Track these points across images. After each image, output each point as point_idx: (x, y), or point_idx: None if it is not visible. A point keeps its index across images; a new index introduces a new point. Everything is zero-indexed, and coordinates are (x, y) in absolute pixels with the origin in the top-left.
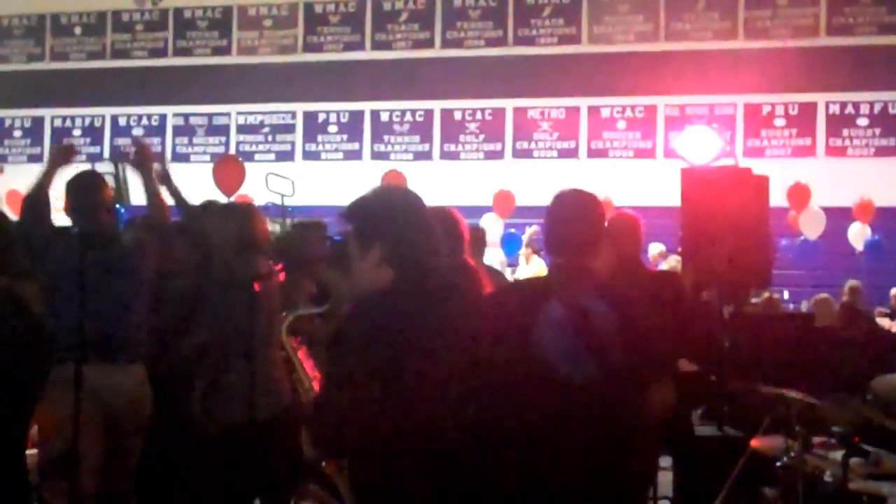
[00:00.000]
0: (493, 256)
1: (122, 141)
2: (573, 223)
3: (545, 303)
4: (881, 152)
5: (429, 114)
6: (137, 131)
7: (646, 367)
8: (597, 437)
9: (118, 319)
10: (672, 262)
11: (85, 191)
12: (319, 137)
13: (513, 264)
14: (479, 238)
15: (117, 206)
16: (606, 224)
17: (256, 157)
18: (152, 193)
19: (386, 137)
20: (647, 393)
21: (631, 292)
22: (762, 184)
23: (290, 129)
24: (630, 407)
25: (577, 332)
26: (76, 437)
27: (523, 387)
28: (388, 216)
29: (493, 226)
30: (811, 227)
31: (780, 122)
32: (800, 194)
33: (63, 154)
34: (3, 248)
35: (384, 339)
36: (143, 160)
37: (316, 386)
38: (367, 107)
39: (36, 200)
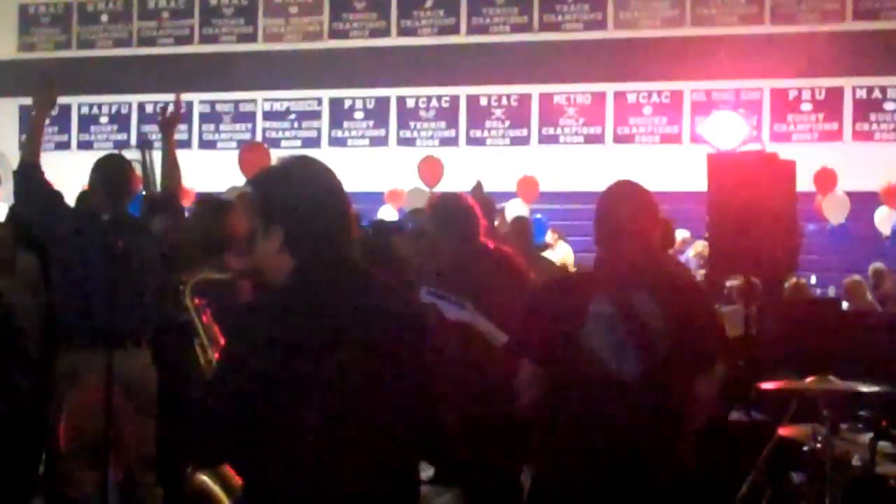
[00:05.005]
0: None
1: (149, 128)
2: (620, 216)
3: (592, 297)
4: None
5: (455, 100)
6: None
7: (690, 361)
8: (642, 431)
9: (137, 306)
10: (699, 248)
11: (117, 175)
12: (346, 124)
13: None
14: (524, 228)
15: (142, 192)
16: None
17: (283, 143)
18: (170, 159)
19: (412, 124)
20: (692, 386)
21: (677, 284)
22: (789, 169)
23: (316, 115)
24: (675, 402)
25: (625, 327)
26: (108, 425)
27: (573, 382)
28: (292, 197)
29: (517, 211)
30: (835, 211)
31: (806, 106)
32: (826, 179)
33: (47, 95)
34: None
35: (272, 342)
36: (172, 122)
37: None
38: (393, 93)
39: (30, 164)
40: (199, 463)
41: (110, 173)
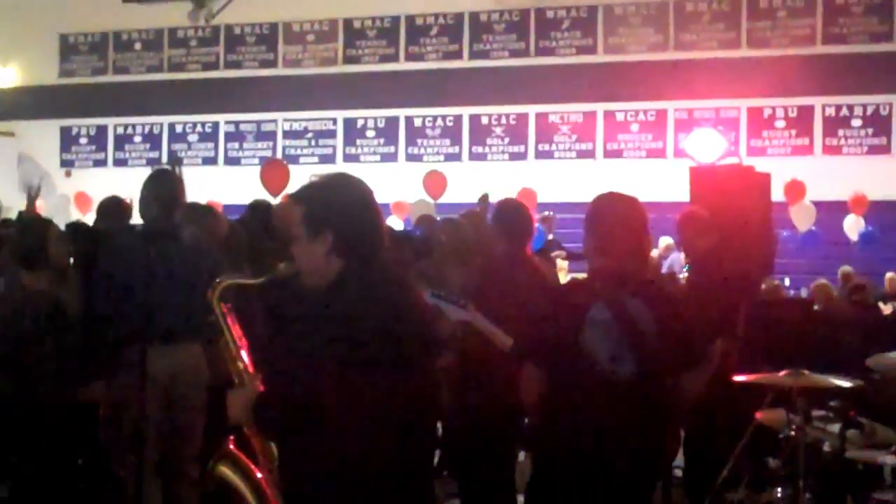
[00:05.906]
0: None
1: (179, 146)
2: (614, 229)
3: (591, 304)
4: (873, 150)
5: (458, 119)
6: (192, 137)
7: (679, 360)
8: (635, 425)
9: (178, 306)
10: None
11: (170, 190)
12: (358, 141)
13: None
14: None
15: None
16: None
17: (301, 160)
18: None
19: (419, 141)
20: (679, 381)
21: (665, 290)
22: (764, 180)
23: (331, 134)
24: (664, 397)
25: (621, 332)
26: (141, 417)
27: (572, 382)
28: (340, 206)
29: None
30: (803, 219)
31: (780, 123)
32: (795, 190)
33: None
34: (41, 248)
35: (343, 331)
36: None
37: (240, 354)
38: (401, 113)
39: None
40: (262, 431)
41: (164, 188)
